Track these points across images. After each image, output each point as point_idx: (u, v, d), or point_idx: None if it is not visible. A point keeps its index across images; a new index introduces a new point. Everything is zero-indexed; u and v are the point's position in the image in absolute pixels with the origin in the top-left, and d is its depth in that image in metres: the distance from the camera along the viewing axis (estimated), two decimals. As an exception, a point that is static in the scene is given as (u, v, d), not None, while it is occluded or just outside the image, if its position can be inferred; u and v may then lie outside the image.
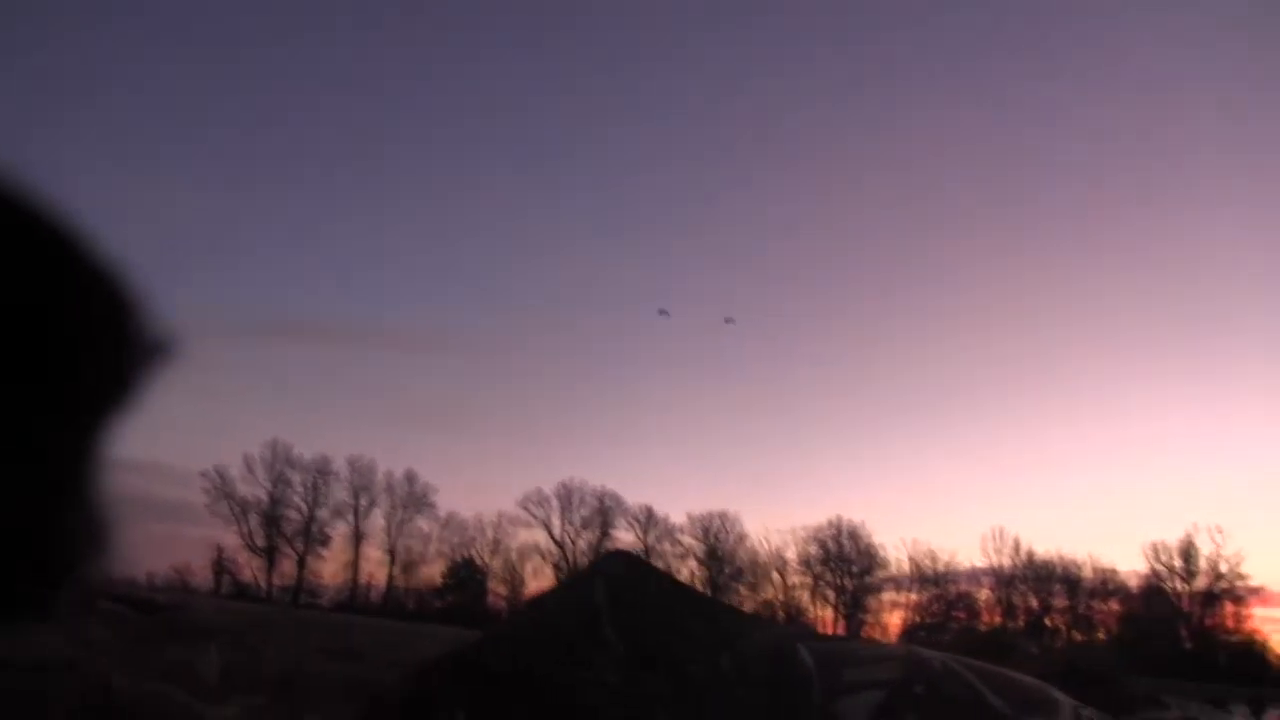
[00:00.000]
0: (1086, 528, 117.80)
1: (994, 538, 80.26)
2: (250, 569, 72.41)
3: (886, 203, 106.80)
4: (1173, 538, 78.94)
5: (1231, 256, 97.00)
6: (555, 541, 76.97)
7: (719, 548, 77.42)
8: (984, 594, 79.36)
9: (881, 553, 78.53)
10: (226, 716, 6.96)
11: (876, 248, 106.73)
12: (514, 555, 77.15)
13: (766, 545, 79.07)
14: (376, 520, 75.39)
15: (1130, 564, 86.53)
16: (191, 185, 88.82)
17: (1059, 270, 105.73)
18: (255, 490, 71.39)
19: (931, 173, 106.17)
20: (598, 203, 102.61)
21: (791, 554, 78.72)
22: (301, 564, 73.20)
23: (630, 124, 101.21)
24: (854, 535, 77.94)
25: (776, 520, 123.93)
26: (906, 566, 78.87)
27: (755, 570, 78.51)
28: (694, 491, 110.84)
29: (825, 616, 79.07)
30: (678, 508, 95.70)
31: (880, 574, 78.88)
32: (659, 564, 77.16)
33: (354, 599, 71.74)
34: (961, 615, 76.23)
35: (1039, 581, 78.91)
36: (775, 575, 78.87)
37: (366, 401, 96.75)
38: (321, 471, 73.44)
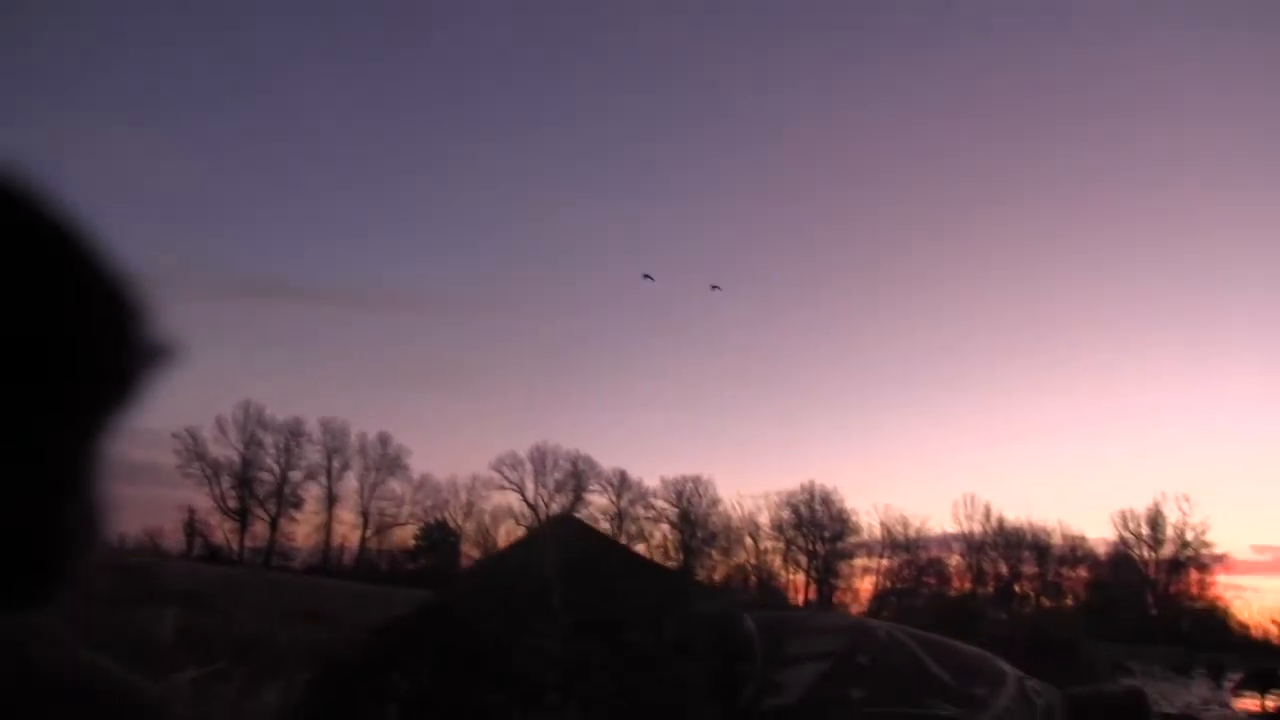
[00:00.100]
0: (1056, 495, 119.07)
1: (965, 504, 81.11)
2: (222, 531, 72.13)
3: (864, 173, 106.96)
4: (1141, 506, 79.93)
5: (1200, 232, 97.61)
6: (529, 504, 77.16)
7: (692, 512, 77.75)
8: (955, 560, 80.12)
9: (854, 518, 79.09)
10: (181, 683, 6.86)
11: (853, 217, 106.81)
12: (487, 518, 77.29)
13: (739, 510, 79.52)
14: (349, 482, 75.23)
15: (1099, 531, 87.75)
16: (168, 143, 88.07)
17: (1033, 243, 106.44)
18: (227, 452, 71.10)
19: (911, 144, 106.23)
20: (580, 167, 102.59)
21: (764, 519, 79.19)
22: (274, 526, 72.99)
23: (615, 88, 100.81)
24: (826, 501, 78.42)
25: (750, 485, 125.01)
26: (878, 532, 79.48)
27: (728, 535, 78.96)
28: (668, 456, 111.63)
29: (797, 581, 79.70)
30: (651, 472, 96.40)
31: (852, 539, 79.43)
32: (632, 528, 77.65)
33: (326, 561, 71.60)
34: (932, 581, 76.84)
35: (1009, 548, 79.65)
36: (748, 540, 79.29)
37: (340, 363, 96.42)
38: (294, 433, 73.21)
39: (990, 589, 77.83)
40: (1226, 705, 24.35)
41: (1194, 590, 79.47)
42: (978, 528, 79.57)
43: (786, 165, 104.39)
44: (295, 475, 73.73)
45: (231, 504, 71.64)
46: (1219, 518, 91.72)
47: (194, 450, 68.47)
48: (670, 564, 77.15)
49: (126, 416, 0.76)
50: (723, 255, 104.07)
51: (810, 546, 78.40)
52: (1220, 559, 78.17)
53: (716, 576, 78.59)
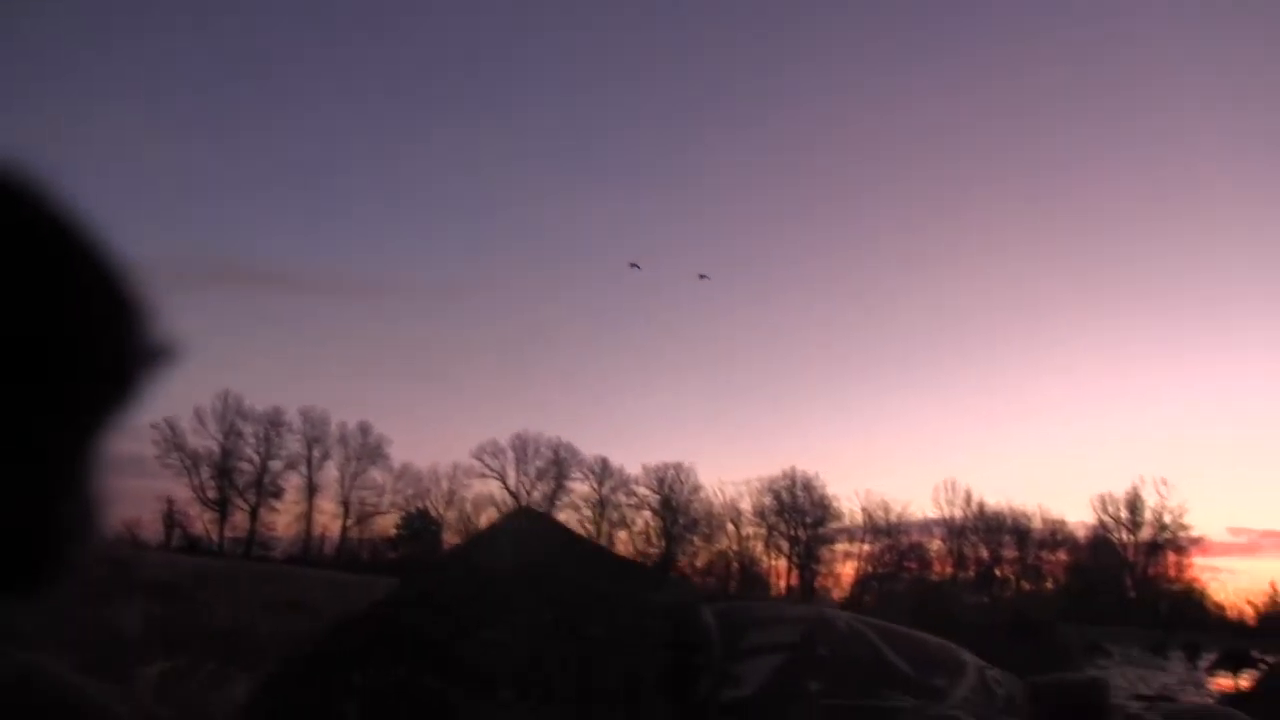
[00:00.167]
0: (1037, 480, 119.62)
1: (946, 489, 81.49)
2: (202, 522, 71.58)
3: (843, 159, 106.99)
4: (1120, 490, 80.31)
5: (1176, 218, 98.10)
6: (510, 493, 76.76)
7: (674, 499, 77.60)
8: (935, 545, 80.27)
9: (835, 504, 79.01)
10: (149, 676, 6.81)
11: (830, 204, 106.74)
12: (469, 506, 76.83)
13: (721, 496, 79.32)
14: (330, 472, 74.67)
15: (1078, 515, 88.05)
16: (141, 128, 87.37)
17: (1012, 230, 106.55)
18: (206, 442, 70.42)
19: (894, 129, 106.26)
20: (562, 152, 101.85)
21: (746, 505, 79.04)
22: (254, 516, 72.43)
23: (598, 72, 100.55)
24: (808, 487, 78.34)
25: (731, 472, 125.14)
26: (859, 517, 79.46)
27: (710, 521, 78.80)
28: (649, 443, 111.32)
29: (779, 567, 79.78)
30: (633, 459, 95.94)
31: (833, 525, 79.34)
32: (614, 515, 77.63)
33: (307, 551, 71.21)
34: (913, 566, 76.94)
35: (989, 532, 79.89)
36: (730, 526, 79.16)
37: (320, 351, 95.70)
38: (274, 423, 72.57)
39: (971, 573, 78.07)
40: (1202, 685, 24.52)
41: (1172, 572, 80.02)
42: (958, 512, 79.82)
43: (768, 151, 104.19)
44: (275, 465, 73.18)
45: (211, 494, 71.07)
46: (1196, 501, 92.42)
47: (172, 441, 67.69)
48: (653, 550, 77.45)
49: (126, 415, 0.75)
50: (704, 242, 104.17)
51: (792, 532, 78.42)
52: (1197, 541, 78.75)
53: (698, 563, 78.76)
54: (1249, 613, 75.56)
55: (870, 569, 77.64)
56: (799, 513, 78.15)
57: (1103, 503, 79.89)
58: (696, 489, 78.20)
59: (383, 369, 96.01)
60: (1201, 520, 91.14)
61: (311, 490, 74.44)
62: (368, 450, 75.07)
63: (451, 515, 74.90)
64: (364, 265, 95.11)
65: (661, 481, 77.78)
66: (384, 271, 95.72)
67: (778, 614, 3.09)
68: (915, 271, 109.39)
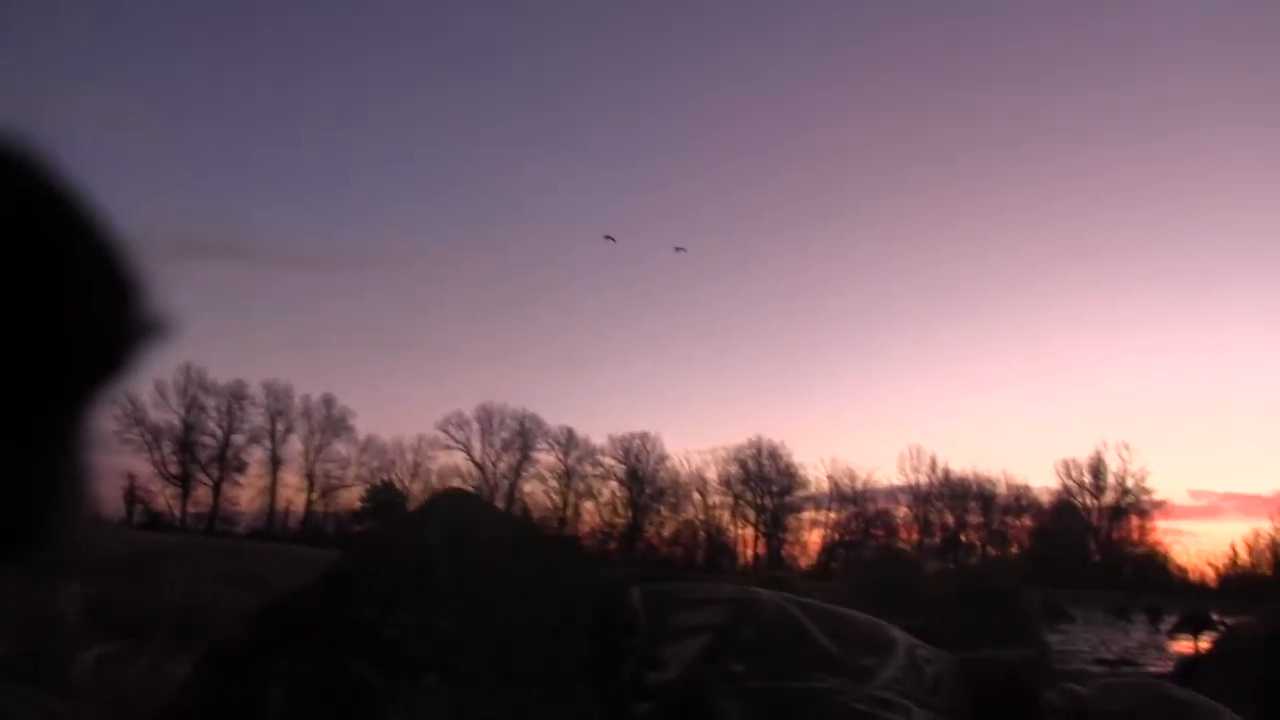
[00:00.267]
0: (1001, 446, 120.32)
1: (911, 456, 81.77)
2: (164, 498, 71.01)
3: (805, 128, 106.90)
4: (1083, 455, 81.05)
5: (1138, 185, 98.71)
6: (476, 464, 76.87)
7: (640, 469, 77.76)
8: (902, 512, 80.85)
9: (801, 472, 79.48)
10: (87, 660, 6.65)
11: (794, 174, 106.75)
12: (434, 478, 76.62)
13: (687, 466, 79.58)
14: (294, 445, 74.35)
15: (1043, 481, 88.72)
16: (101, 97, 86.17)
17: (975, 197, 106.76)
18: (167, 416, 69.74)
19: (852, 99, 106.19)
20: (528, 123, 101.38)
21: (712, 474, 79.35)
22: (217, 491, 72.00)
23: (566, 41, 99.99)
24: (774, 455, 78.69)
25: (697, 441, 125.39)
26: (826, 485, 80.00)
27: (676, 491, 79.04)
28: (615, 413, 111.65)
29: (746, 536, 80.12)
30: (599, 429, 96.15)
31: (800, 493, 79.85)
32: (580, 485, 77.69)
33: (271, 526, 70.88)
34: (880, 533, 77.32)
35: (955, 499, 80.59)
36: (696, 495, 79.43)
37: (282, 323, 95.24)
38: (236, 396, 72.03)
39: (937, 540, 78.64)
40: (1163, 649, 24.73)
41: (1135, 536, 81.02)
42: (924, 479, 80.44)
43: (734, 122, 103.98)
44: (238, 439, 72.65)
45: (173, 469, 70.55)
46: (1158, 464, 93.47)
47: (133, 415, 66.66)
48: (619, 520, 77.59)
49: (115, 387, 0.76)
50: (669, 212, 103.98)
51: (758, 501, 78.74)
52: (1160, 505, 79.77)
53: (665, 532, 79.00)
54: (1210, 575, 76.60)
55: (837, 537, 78.08)
56: (765, 481, 78.50)
57: (1066, 468, 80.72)
58: (662, 459, 78.50)
59: (347, 341, 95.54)
60: (1163, 484, 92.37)
61: (275, 464, 74.13)
62: (332, 423, 74.86)
63: (417, 488, 74.57)
64: (327, 237, 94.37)
65: (627, 451, 77.97)
66: (347, 244, 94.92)
67: (706, 595, 3.01)
68: (880, 240, 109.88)
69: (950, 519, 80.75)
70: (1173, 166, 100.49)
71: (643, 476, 77.68)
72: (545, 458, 78.11)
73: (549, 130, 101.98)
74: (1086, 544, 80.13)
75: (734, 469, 78.79)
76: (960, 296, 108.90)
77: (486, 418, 77.12)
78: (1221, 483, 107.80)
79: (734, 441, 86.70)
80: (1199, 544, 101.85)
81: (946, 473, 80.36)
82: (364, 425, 78.21)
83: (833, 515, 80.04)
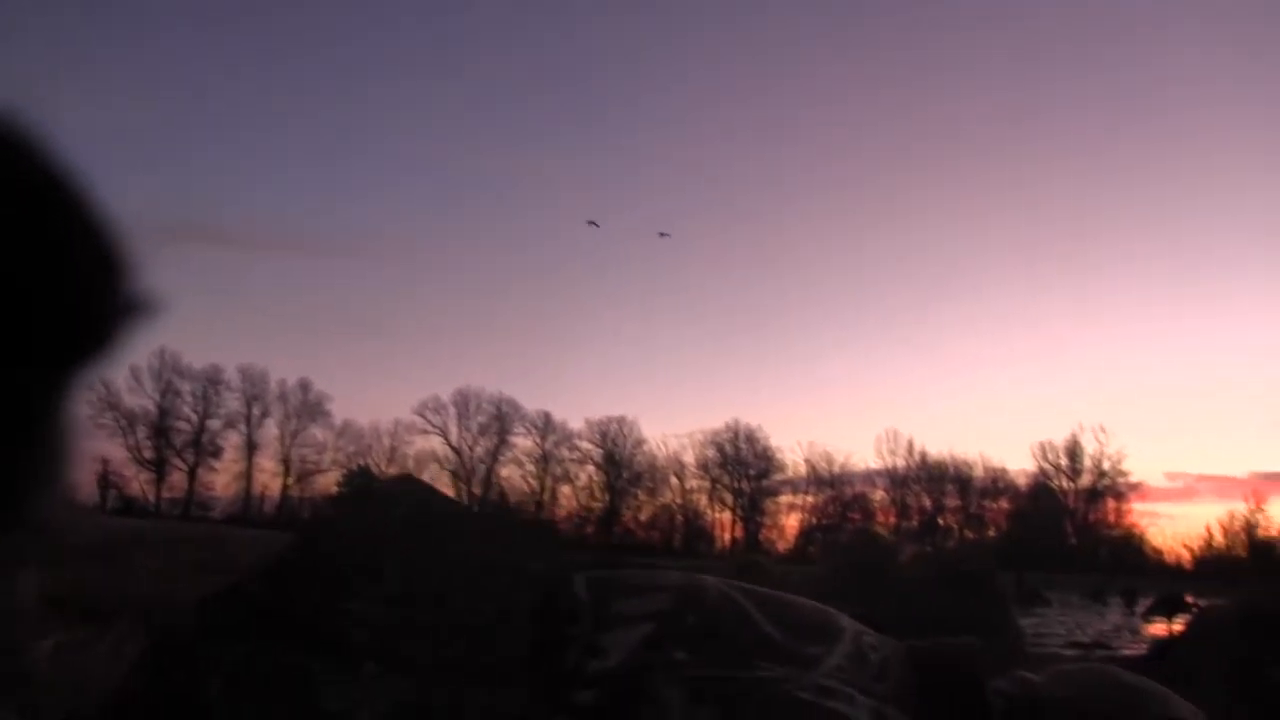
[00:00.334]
0: (978, 429, 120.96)
1: (888, 439, 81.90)
2: (138, 483, 70.71)
3: (783, 111, 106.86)
4: (1059, 437, 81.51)
5: (1114, 170, 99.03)
6: (453, 449, 76.81)
7: (617, 453, 77.85)
8: (879, 495, 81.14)
9: (778, 456, 79.70)
10: (43, 651, 6.56)
11: (770, 157, 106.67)
12: (411, 463, 76.60)
13: (664, 450, 79.72)
14: (270, 430, 74.23)
15: (1019, 463, 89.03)
16: (80, 79, 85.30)
17: (951, 182, 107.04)
18: (142, 401, 69.52)
19: (831, 81, 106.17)
20: (506, 109, 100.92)
21: (689, 458, 79.49)
22: (192, 476, 71.91)
23: (544, 24, 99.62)
24: (751, 439, 78.83)
25: (674, 425, 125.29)
26: (803, 469, 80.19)
27: (653, 475, 79.20)
28: (592, 397, 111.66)
29: (723, 520, 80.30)
30: (576, 413, 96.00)
31: (777, 477, 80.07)
32: (557, 469, 77.69)
33: (247, 511, 70.71)
34: (857, 516, 77.48)
35: (932, 482, 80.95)
36: (673, 480, 79.58)
37: (259, 308, 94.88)
38: (212, 381, 71.86)
39: (914, 523, 78.96)
40: (1137, 632, 24.85)
41: (1111, 518, 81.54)
42: (901, 462, 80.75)
43: (714, 104, 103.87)
44: (214, 424, 72.57)
45: (147, 454, 70.34)
46: (1134, 447, 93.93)
47: (107, 399, 66.28)
48: (596, 505, 77.59)
49: (100, 367, 0.76)
50: (645, 196, 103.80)
51: (736, 485, 78.91)
52: (1136, 487, 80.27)
53: (642, 517, 79.12)
54: (1186, 557, 77.17)
55: (814, 520, 78.28)
56: (742, 465, 78.66)
57: (1043, 450, 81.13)
58: (640, 443, 78.59)
59: (323, 325, 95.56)
60: (1139, 466, 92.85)
61: (251, 449, 74.02)
62: (308, 408, 74.81)
63: (393, 472, 74.51)
64: (304, 221, 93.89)
65: (605, 435, 78.05)
66: (324, 228, 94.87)
67: (651, 582, 2.94)
68: (858, 224, 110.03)
69: (927, 502, 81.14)
70: (1150, 153, 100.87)
71: (620, 460, 77.78)
72: (522, 442, 78.16)
73: (529, 115, 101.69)
74: (1063, 527, 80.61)
75: (711, 453, 79.01)
76: (938, 280, 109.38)
77: (463, 402, 77.09)
78: (1197, 465, 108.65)
79: (711, 425, 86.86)
80: (1175, 526, 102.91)
81: (924, 456, 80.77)
82: (340, 410, 78.02)
83: (810, 499, 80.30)
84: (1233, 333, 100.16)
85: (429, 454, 76.83)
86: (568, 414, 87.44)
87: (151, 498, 70.25)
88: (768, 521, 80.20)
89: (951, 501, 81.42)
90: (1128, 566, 66.27)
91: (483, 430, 77.47)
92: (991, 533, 79.53)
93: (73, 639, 7.60)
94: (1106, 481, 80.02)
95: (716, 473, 79.03)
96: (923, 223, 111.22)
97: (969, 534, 79.02)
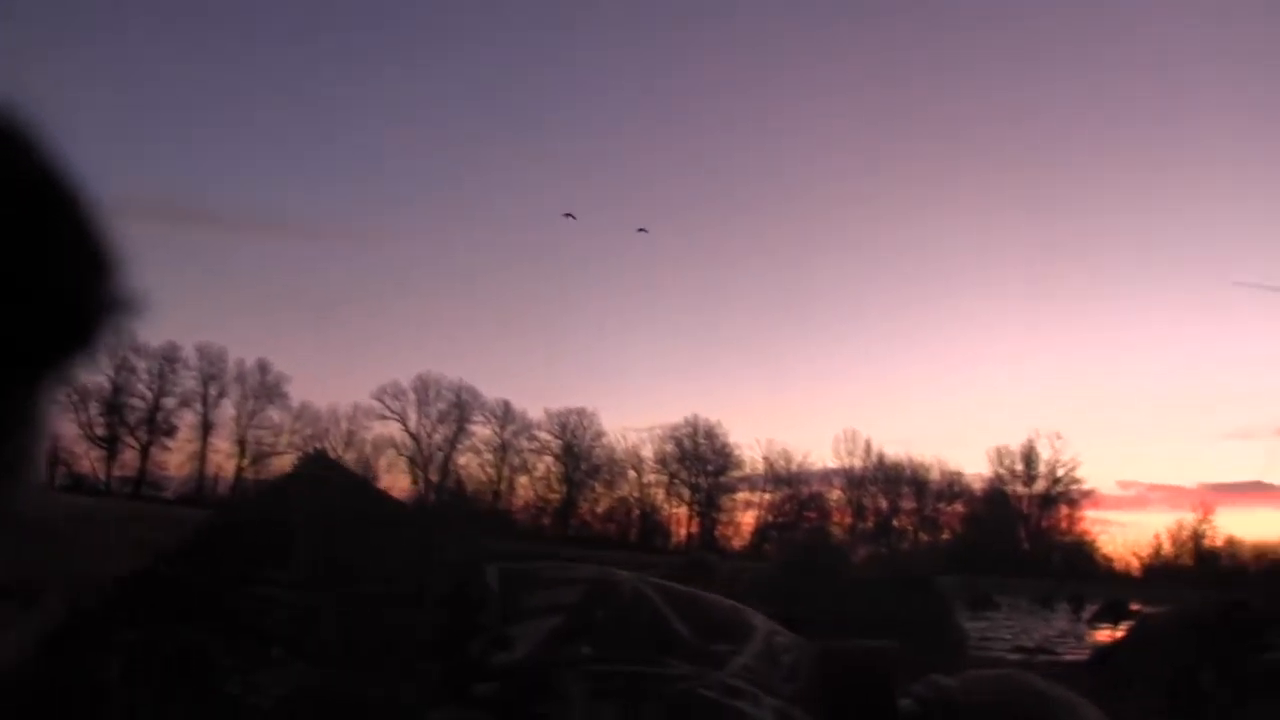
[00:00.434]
0: (935, 432, 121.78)
1: (846, 440, 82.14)
2: (89, 460, 69.94)
3: (751, 109, 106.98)
4: (1015, 443, 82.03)
5: (1072, 180, 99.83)
6: (411, 435, 76.51)
7: (576, 445, 77.79)
8: (835, 495, 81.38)
9: (737, 453, 79.82)
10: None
11: (738, 153, 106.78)
12: (368, 448, 76.48)
13: (623, 443, 79.74)
14: (226, 410, 73.72)
15: (975, 468, 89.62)
16: (55, 59, 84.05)
17: (915, 184, 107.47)
18: (95, 376, 68.66)
19: (801, 78, 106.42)
20: (477, 98, 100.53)
21: (648, 452, 79.59)
22: (144, 455, 71.19)
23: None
24: (710, 435, 79.00)
25: (634, 418, 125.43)
26: (761, 466, 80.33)
27: (611, 468, 79.24)
28: (552, 388, 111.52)
29: (680, 515, 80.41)
30: (536, 404, 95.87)
31: (735, 473, 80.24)
32: (515, 460, 77.51)
33: (201, 491, 70.07)
34: (813, 516, 77.79)
35: (888, 483, 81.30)
36: (631, 473, 79.60)
37: (219, 287, 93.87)
38: (168, 359, 71.19)
39: (870, 524, 79.28)
40: (1082, 637, 25.01)
41: (1064, 525, 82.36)
42: (858, 463, 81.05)
43: (682, 97, 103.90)
44: (169, 402, 71.97)
45: (99, 431, 69.60)
46: (1088, 454, 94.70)
47: (59, 374, 65.45)
48: (554, 496, 77.46)
49: (81, 363, 0.75)
50: (612, 189, 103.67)
51: (693, 480, 79.02)
52: (1089, 494, 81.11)
53: (599, 509, 79.09)
54: (1135, 565, 78.00)
55: (770, 518, 78.52)
56: (700, 461, 78.79)
57: (999, 455, 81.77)
58: (599, 435, 78.63)
59: (285, 306, 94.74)
60: (1093, 474, 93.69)
61: (206, 429, 73.45)
62: (266, 389, 74.41)
63: (351, 457, 74.07)
64: (268, 202, 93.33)
65: (564, 427, 77.99)
66: (289, 209, 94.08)
67: (563, 575, 2.89)
68: (821, 225, 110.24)
69: (884, 504, 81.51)
70: (1110, 165, 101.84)
71: (579, 452, 77.71)
72: (481, 430, 78.01)
73: (499, 106, 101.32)
74: (1016, 532, 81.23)
75: (670, 447, 79.13)
76: (901, 284, 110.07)
77: (423, 388, 76.87)
78: (1149, 474, 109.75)
79: (671, 420, 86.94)
80: (1126, 534, 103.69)
81: (881, 457, 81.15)
82: (298, 392, 77.64)
83: (767, 496, 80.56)
84: (1188, 346, 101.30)
85: (387, 440, 76.61)
86: (528, 404, 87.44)
87: (102, 475, 69.42)
88: (724, 518, 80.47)
89: (907, 503, 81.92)
90: (1079, 573, 66.85)
91: (442, 418, 77.29)
92: (946, 536, 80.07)
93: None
94: (1060, 488, 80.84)
95: (674, 468, 79.18)
96: (887, 226, 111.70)
97: (924, 536, 79.48)
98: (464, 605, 2.97)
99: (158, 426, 71.54)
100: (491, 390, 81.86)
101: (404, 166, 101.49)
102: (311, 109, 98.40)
